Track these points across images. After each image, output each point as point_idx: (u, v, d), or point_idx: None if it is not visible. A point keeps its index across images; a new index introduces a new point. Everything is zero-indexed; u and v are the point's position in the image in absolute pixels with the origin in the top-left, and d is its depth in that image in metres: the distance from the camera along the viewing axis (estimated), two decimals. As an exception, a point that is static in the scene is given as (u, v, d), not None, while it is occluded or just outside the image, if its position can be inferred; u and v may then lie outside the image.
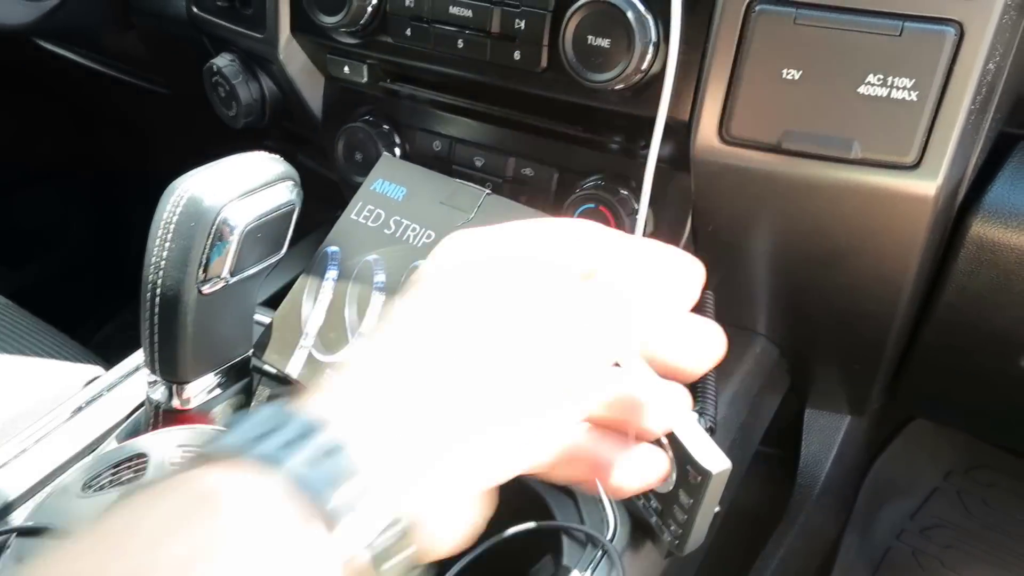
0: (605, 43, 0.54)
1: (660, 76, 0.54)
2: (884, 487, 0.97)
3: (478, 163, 0.70)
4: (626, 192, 0.63)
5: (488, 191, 0.64)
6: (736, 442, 0.67)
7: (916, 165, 0.51)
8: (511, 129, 0.68)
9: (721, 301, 0.62)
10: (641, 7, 0.54)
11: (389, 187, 0.69)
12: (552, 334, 0.30)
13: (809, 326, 0.71)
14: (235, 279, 0.56)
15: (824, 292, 0.64)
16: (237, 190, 0.54)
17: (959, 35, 0.47)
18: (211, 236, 0.52)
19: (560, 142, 0.66)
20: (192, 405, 0.58)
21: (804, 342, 0.74)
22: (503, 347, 0.29)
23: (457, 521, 0.30)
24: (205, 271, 0.53)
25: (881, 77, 0.49)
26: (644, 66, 0.55)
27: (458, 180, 0.66)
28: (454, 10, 0.61)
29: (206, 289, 0.54)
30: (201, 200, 0.51)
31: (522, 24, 0.59)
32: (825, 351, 0.75)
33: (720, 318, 0.41)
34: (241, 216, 0.53)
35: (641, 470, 0.35)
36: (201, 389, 0.58)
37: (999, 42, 0.48)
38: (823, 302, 0.66)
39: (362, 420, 0.28)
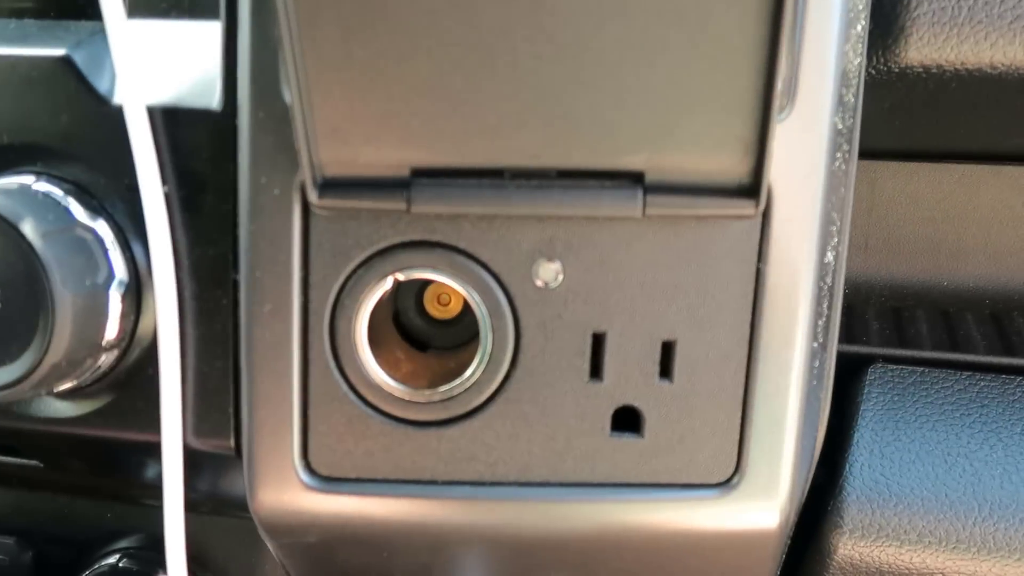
0: (-10, 308, 0.23)
1: (153, 364, 0.23)
2: None
3: None
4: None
5: None
6: None
7: (728, 481, 0.23)
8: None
9: None
10: (91, 223, 0.23)
11: None
12: None
13: None
14: None
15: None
16: None
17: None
18: None
19: (50, 492, 0.33)
20: None
21: None
22: None
23: None
24: None
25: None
26: (109, 339, 0.24)
27: None
28: None
29: None
30: None
31: None
32: None
33: None
34: None
35: None
36: None
37: (833, 212, 0.22)
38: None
39: None
